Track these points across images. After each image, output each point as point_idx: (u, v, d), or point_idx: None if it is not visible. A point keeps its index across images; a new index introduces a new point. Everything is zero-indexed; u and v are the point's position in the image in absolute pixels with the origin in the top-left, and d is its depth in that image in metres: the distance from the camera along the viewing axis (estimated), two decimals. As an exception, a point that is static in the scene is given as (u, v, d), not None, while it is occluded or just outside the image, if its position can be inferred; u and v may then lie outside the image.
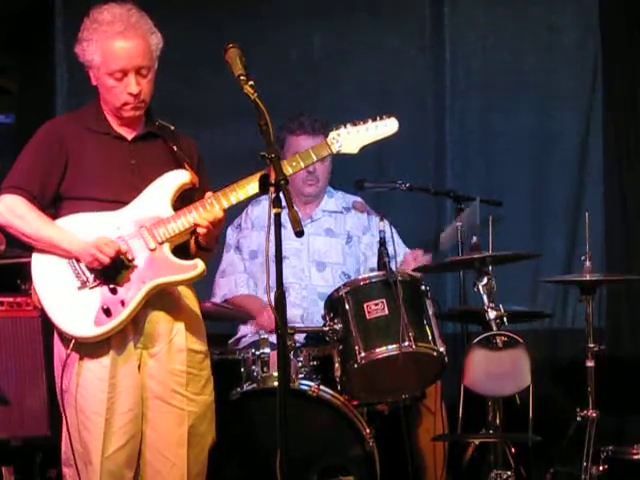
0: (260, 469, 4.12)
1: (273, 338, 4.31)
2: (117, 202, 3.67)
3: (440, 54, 6.04)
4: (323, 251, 5.04)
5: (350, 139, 3.79)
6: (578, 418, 4.57)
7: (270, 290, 3.16)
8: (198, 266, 3.65)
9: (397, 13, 6.04)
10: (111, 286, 3.59)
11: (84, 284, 3.60)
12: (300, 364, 4.44)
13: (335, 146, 3.78)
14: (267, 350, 4.43)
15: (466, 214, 5.13)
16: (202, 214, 3.64)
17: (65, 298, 3.60)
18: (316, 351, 4.53)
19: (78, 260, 3.61)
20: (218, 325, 5.15)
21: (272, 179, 3.23)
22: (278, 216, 3.18)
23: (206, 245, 3.73)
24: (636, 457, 4.55)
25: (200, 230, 3.66)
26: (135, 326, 3.64)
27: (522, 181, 6.01)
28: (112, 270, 3.59)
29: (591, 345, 4.58)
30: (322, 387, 4.36)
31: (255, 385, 4.43)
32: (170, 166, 3.75)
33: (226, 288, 5.05)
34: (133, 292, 3.59)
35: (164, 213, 3.67)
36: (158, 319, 3.68)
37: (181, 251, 3.70)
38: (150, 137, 3.80)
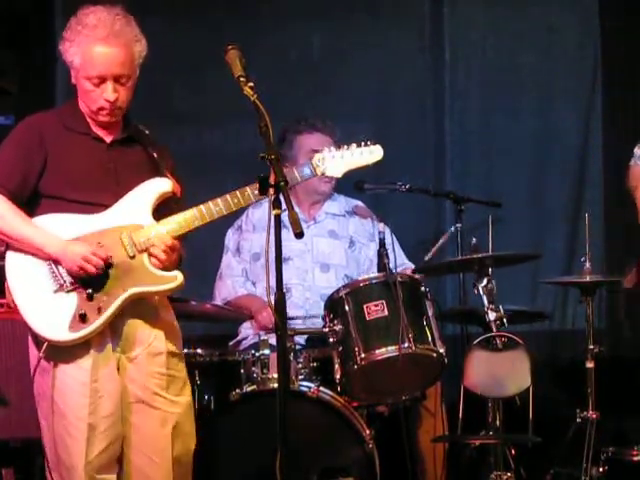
0: (260, 470, 4.11)
1: (273, 340, 4.30)
2: (93, 204, 3.63)
3: (440, 54, 6.04)
4: (327, 253, 5.01)
5: (335, 163, 3.82)
6: (578, 419, 4.58)
7: (271, 292, 3.17)
8: (177, 278, 3.62)
9: (397, 13, 6.04)
10: (88, 291, 3.55)
11: (61, 287, 3.56)
12: (300, 365, 4.43)
13: (320, 169, 3.81)
14: (267, 351, 4.42)
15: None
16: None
17: (40, 300, 3.56)
18: (316, 352, 4.52)
19: (56, 262, 3.57)
20: (219, 327, 5.16)
21: (272, 180, 3.24)
22: (278, 217, 3.18)
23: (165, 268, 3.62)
24: (636, 458, 4.55)
25: (153, 250, 3.59)
26: (114, 330, 3.61)
27: (522, 181, 6.00)
28: (91, 276, 3.56)
29: (591, 346, 4.59)
30: (322, 388, 4.35)
31: (255, 386, 4.42)
32: (148, 173, 3.71)
33: (225, 291, 5.02)
34: (110, 299, 3.56)
35: (145, 221, 3.65)
36: (136, 324, 3.65)
37: None
38: (129, 142, 3.76)
